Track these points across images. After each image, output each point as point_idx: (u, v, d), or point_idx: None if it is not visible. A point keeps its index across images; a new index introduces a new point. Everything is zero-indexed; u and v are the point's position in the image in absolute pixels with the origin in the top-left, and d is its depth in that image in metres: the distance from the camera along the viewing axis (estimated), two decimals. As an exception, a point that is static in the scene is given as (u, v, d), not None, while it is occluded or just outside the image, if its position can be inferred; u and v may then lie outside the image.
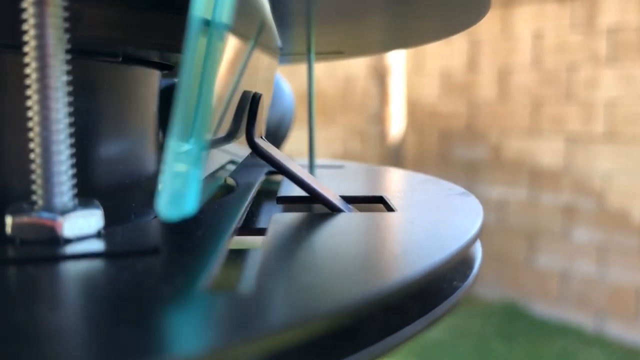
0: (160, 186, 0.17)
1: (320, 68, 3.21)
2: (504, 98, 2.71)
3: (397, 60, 2.56)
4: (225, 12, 0.17)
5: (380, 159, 2.63)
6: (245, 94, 0.27)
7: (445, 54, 2.91)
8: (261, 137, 0.28)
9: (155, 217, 0.29)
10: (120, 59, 0.25)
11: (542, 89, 2.58)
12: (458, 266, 0.26)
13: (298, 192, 0.31)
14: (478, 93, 2.80)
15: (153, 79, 0.30)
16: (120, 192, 0.27)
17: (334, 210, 0.27)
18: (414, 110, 2.99)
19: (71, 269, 0.19)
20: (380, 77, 2.54)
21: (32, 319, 0.15)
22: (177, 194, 0.17)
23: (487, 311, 2.61)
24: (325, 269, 0.20)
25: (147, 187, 0.29)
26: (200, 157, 0.17)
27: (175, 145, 0.16)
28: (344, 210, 0.28)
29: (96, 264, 0.19)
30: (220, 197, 0.31)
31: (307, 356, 0.17)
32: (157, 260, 0.20)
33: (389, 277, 0.18)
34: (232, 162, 0.28)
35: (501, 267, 2.75)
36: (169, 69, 0.31)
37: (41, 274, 0.18)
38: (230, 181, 0.36)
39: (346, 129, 3.38)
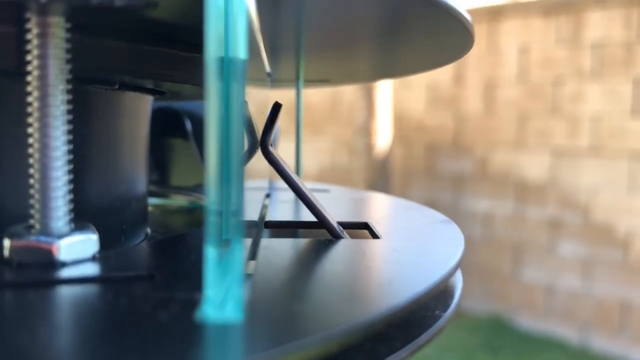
0: (205, 292, 0.18)
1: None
2: (490, 112, 2.73)
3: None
4: (243, 46, 0.17)
5: (368, 171, 2.63)
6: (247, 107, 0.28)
7: (432, 67, 2.93)
8: (271, 145, 0.28)
9: (145, 239, 0.29)
10: (117, 86, 0.25)
11: (528, 102, 2.60)
12: (440, 295, 0.26)
13: (282, 215, 0.31)
14: (464, 106, 2.81)
15: (146, 104, 0.30)
16: (112, 215, 0.27)
17: (335, 237, 0.27)
18: (401, 123, 3.00)
19: (68, 293, 0.19)
20: (367, 89, 2.55)
21: (30, 343, 0.15)
22: (222, 302, 0.18)
23: (472, 324, 2.62)
24: (314, 297, 0.20)
25: (137, 209, 0.29)
26: (240, 259, 0.18)
27: (215, 253, 0.17)
28: (344, 237, 0.28)
29: (93, 289, 0.19)
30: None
31: None
32: (152, 286, 0.20)
33: (375, 307, 0.19)
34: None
35: (487, 280, 2.76)
36: (161, 94, 0.31)
37: (38, 297, 0.18)
38: None
39: (334, 140, 3.38)
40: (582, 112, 2.44)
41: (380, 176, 2.62)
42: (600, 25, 2.38)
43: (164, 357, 0.14)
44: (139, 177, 0.30)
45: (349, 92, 3.05)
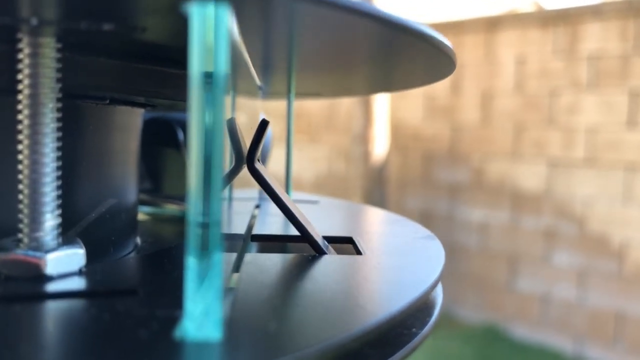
0: (185, 310, 0.18)
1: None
2: (487, 122, 2.74)
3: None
4: (223, 63, 0.18)
5: (364, 180, 2.64)
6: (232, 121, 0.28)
7: (429, 76, 2.94)
8: (258, 160, 0.29)
9: (132, 251, 0.29)
10: (108, 101, 0.26)
11: (524, 113, 2.61)
12: (417, 313, 0.26)
13: (270, 227, 0.32)
14: (461, 116, 2.82)
15: (136, 117, 0.31)
16: (102, 227, 0.27)
17: (319, 252, 0.28)
18: (398, 132, 3.01)
19: (54, 307, 0.20)
20: (364, 98, 2.56)
21: (12, 358, 0.15)
22: (202, 321, 0.18)
23: (467, 334, 2.62)
24: (292, 315, 0.21)
25: (126, 220, 0.30)
26: (220, 272, 0.18)
27: (195, 264, 0.18)
28: (327, 253, 0.28)
29: (78, 304, 0.20)
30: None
31: None
32: (135, 302, 0.21)
33: (350, 326, 0.19)
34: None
35: (482, 290, 2.76)
36: (153, 107, 0.31)
37: (24, 311, 0.19)
38: None
39: (331, 148, 3.39)
40: (578, 123, 2.45)
41: (377, 184, 2.62)
42: (596, 37, 2.39)
43: None
44: (129, 188, 0.30)
45: (346, 100, 3.06)
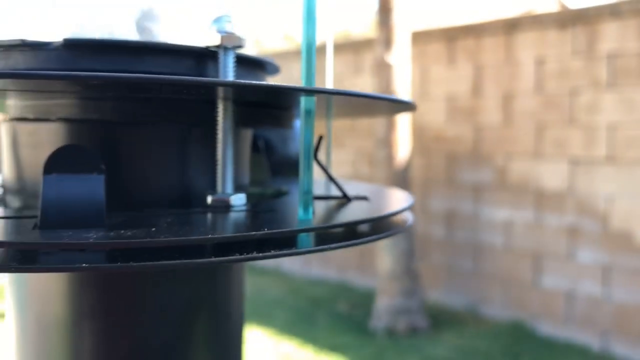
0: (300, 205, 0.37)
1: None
2: (508, 122, 2.78)
3: (403, 86, 2.64)
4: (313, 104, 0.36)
5: (388, 182, 2.70)
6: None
7: (450, 79, 3.00)
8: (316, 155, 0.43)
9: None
10: (248, 127, 0.47)
11: (545, 113, 2.65)
12: (394, 222, 0.44)
13: (327, 192, 0.54)
14: (483, 117, 2.87)
15: (249, 134, 0.51)
16: (242, 189, 0.46)
17: (349, 200, 0.46)
18: (421, 134, 3.07)
19: (238, 216, 0.37)
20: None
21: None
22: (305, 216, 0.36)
23: (494, 331, 2.66)
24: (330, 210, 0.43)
25: (246, 188, 0.49)
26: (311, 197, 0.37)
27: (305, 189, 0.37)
28: (352, 200, 0.47)
29: (244, 214, 0.38)
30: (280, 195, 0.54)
31: None
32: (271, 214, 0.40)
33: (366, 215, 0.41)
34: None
35: (508, 287, 2.80)
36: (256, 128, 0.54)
37: (222, 215, 0.37)
38: (285, 189, 0.58)
39: (355, 152, 3.46)
40: (598, 122, 2.48)
41: (401, 187, 2.68)
42: (614, 36, 2.43)
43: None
44: (245, 172, 0.49)
45: (370, 104, 3.12)
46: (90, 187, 0.29)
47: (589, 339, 2.52)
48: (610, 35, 2.43)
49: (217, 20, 0.33)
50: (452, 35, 2.99)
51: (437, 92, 3.05)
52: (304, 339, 2.51)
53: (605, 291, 2.48)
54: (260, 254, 0.30)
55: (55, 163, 0.29)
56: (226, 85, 0.32)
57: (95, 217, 0.28)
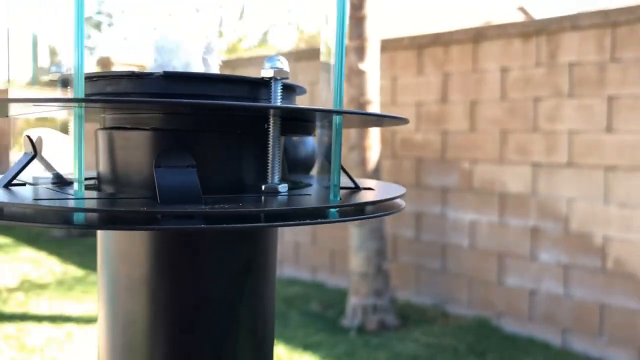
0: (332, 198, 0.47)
1: (307, 99, 3.35)
2: (474, 128, 2.89)
3: (374, 93, 2.73)
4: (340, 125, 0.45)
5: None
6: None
7: (419, 87, 3.09)
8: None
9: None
10: (285, 135, 0.55)
11: (509, 120, 2.76)
12: (388, 204, 0.52)
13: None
14: (449, 124, 2.97)
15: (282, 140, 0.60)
16: (284, 180, 0.53)
17: (359, 189, 0.55)
18: (391, 139, 3.16)
19: (285, 198, 0.45)
20: (361, 109, 2.71)
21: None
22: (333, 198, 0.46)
23: (461, 328, 2.76)
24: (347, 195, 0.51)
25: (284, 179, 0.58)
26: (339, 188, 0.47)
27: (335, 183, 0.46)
28: (361, 189, 0.55)
29: (289, 197, 0.46)
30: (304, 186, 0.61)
31: None
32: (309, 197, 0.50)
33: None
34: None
35: (473, 286, 2.91)
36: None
37: (276, 198, 0.45)
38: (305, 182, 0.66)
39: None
40: (559, 129, 2.60)
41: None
42: (575, 48, 2.54)
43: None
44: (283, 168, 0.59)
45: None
46: (188, 176, 0.40)
47: (550, 335, 2.64)
48: (571, 47, 2.55)
49: (270, 59, 0.43)
50: (421, 44, 3.08)
51: (406, 99, 3.14)
52: (277, 338, 2.57)
53: (565, 290, 2.60)
54: (307, 221, 0.39)
55: (163, 160, 0.40)
56: (280, 108, 0.42)
57: (196, 197, 0.38)
